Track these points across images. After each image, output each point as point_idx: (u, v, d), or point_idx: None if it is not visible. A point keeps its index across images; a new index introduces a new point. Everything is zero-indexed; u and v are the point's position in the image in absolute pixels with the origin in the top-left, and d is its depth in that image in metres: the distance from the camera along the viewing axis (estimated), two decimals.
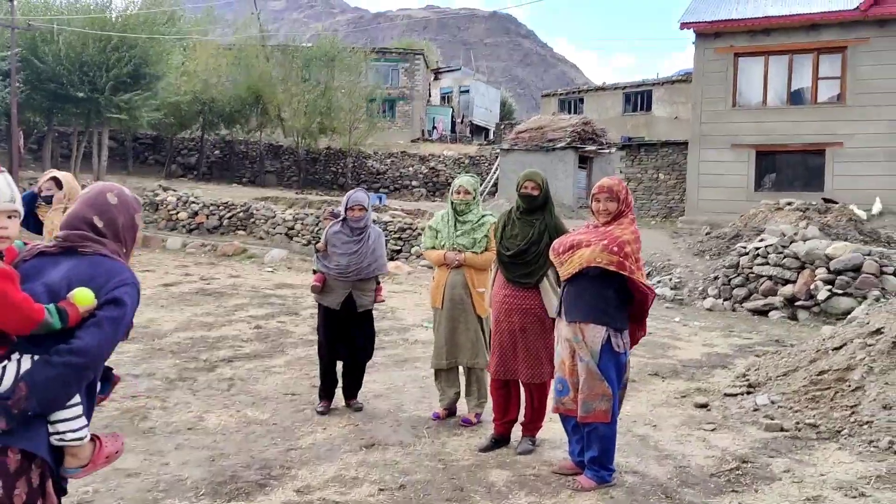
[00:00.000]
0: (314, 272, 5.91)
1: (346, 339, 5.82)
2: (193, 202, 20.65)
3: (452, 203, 5.49)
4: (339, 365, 6.01)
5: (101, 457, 2.35)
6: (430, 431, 5.40)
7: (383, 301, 6.25)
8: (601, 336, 4.14)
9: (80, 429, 2.23)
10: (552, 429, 5.14)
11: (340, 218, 5.85)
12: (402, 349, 8.34)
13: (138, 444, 5.03)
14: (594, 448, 4.22)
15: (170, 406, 5.94)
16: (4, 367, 2.09)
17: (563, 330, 4.33)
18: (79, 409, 2.23)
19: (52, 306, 2.12)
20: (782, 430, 5.44)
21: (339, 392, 6.05)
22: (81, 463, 2.28)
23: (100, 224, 2.34)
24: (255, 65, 33.56)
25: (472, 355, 5.42)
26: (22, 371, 2.09)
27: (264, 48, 35.33)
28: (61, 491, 2.30)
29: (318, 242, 5.94)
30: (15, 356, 2.12)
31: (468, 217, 5.46)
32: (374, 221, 6.16)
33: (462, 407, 5.72)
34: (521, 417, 5.11)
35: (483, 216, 5.47)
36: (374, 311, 6.09)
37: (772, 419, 5.63)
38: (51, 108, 24.72)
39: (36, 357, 2.11)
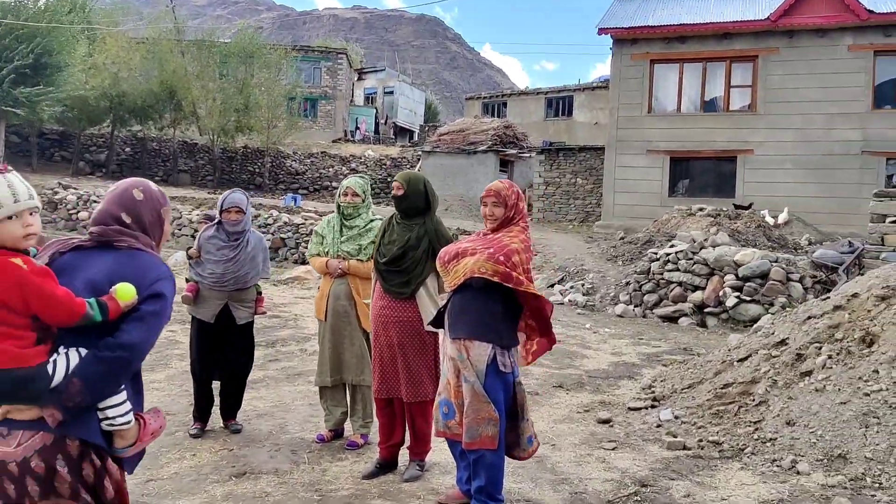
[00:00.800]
0: (186, 281, 5.37)
1: (222, 354, 5.31)
2: (95, 201, 19.57)
3: (339, 206, 5.06)
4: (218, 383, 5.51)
5: (146, 434, 2.42)
6: (311, 456, 4.94)
7: (264, 313, 5.77)
8: (486, 354, 3.76)
9: (126, 413, 2.30)
10: (443, 451, 4.77)
11: (215, 221, 5.34)
12: (298, 361, 7.84)
13: None
14: (481, 477, 3.84)
15: None
16: (55, 362, 2.16)
17: (447, 347, 3.94)
18: (124, 395, 2.30)
19: (93, 300, 2.20)
20: (685, 448, 5.21)
21: (217, 412, 5.54)
22: (128, 443, 2.35)
23: (127, 220, 2.40)
24: (170, 59, 32.23)
25: (357, 372, 5.00)
26: (72, 366, 2.17)
27: (179, 42, 34.02)
28: (122, 466, 2.41)
29: (189, 249, 5.41)
30: (62, 349, 2.19)
31: (355, 222, 5.03)
32: (266, 225, 5.66)
33: (350, 428, 5.29)
34: (407, 440, 4.71)
35: (371, 221, 5.05)
36: (264, 321, 5.60)
37: (674, 436, 5.40)
38: None
39: (82, 351, 2.19)
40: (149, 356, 6.96)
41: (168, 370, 7.20)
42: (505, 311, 3.82)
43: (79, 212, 19.32)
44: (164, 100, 32.36)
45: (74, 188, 20.75)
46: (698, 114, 21.39)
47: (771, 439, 5.12)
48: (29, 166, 30.79)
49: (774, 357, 6.08)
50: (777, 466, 4.82)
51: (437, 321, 4.10)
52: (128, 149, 35.16)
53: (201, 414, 5.39)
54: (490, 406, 3.73)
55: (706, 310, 11.08)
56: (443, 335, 4.08)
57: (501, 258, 3.70)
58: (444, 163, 29.47)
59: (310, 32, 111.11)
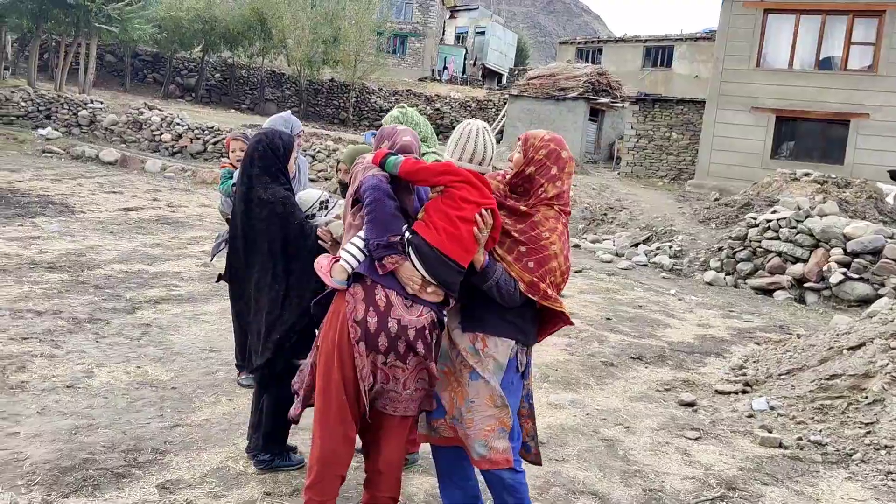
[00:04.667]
0: (227, 220, 4.76)
1: None
2: (178, 124, 19.54)
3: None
4: None
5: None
6: None
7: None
8: (509, 350, 2.98)
9: None
10: None
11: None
12: None
13: None
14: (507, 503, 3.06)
15: (59, 355, 5.02)
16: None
17: (453, 333, 3.04)
18: None
19: None
20: (781, 446, 4.51)
21: None
22: None
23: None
24: None
25: None
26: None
27: None
28: None
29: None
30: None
31: None
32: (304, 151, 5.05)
33: None
34: None
35: None
36: None
37: (769, 431, 4.69)
38: (38, 14, 23.31)
39: None
40: (202, 286, 6.59)
41: (223, 302, 6.82)
42: (529, 304, 3.00)
43: (162, 134, 19.32)
44: (255, 27, 32.15)
45: (160, 109, 20.77)
46: (812, 71, 19.67)
47: (887, 447, 4.36)
48: (122, 86, 31.27)
49: (894, 349, 5.25)
50: (892, 480, 4.08)
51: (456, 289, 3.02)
52: (217, 75, 35.29)
53: (244, 360, 4.95)
54: (505, 412, 2.94)
55: (806, 285, 10.09)
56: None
57: (532, 265, 2.92)
58: (531, 108, 28.38)
59: None
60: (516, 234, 2.93)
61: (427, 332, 2.79)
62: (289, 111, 4.02)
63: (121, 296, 6.68)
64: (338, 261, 2.87)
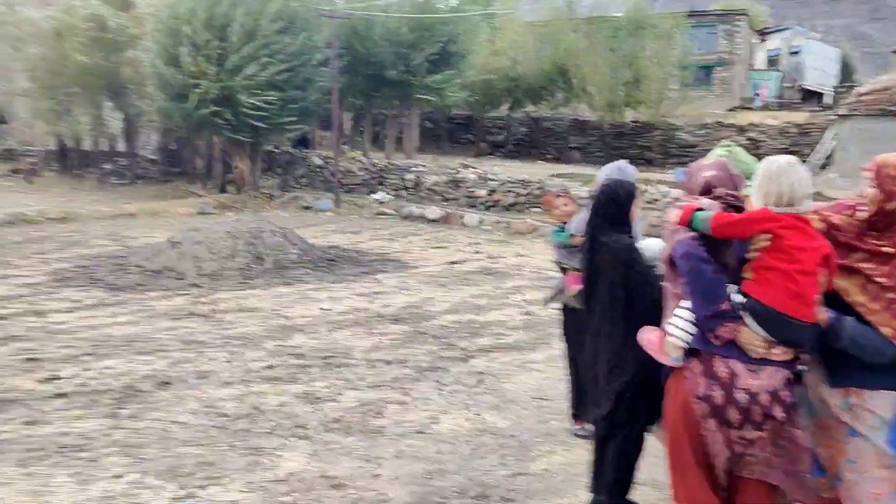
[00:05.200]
0: (563, 270, 4.80)
1: None
2: (491, 179, 20.67)
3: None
4: None
5: None
6: None
7: None
8: (891, 403, 2.57)
9: None
10: None
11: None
12: None
13: (360, 447, 4.57)
14: None
15: (409, 401, 5.45)
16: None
17: (823, 392, 2.71)
18: None
19: None
20: None
21: None
22: None
23: None
24: (562, 38, 32.92)
25: None
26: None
27: (571, 21, 34.54)
28: None
29: (571, 235, 4.70)
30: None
31: None
32: (654, 201, 4.98)
33: None
34: None
35: None
36: None
37: None
38: (369, 92, 26.45)
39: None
40: (527, 334, 6.76)
41: (548, 350, 6.95)
42: None
43: (477, 190, 20.58)
44: (556, 79, 33.18)
45: (474, 167, 22.18)
46: None
47: None
48: (439, 149, 34.07)
49: None
50: None
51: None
52: (523, 129, 36.90)
53: (579, 410, 4.94)
54: None
55: None
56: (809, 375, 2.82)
57: None
58: (864, 128, 25.43)
59: None
60: (882, 280, 2.54)
61: (782, 393, 2.57)
62: (624, 160, 3.98)
63: (455, 345, 7.11)
64: (665, 335, 2.74)
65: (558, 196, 4.95)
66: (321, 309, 8.65)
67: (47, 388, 5.61)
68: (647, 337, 2.89)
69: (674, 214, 2.73)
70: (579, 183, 20.09)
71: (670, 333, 2.71)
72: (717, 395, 2.59)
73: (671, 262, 2.74)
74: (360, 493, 3.92)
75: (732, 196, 2.82)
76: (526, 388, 5.83)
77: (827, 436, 2.68)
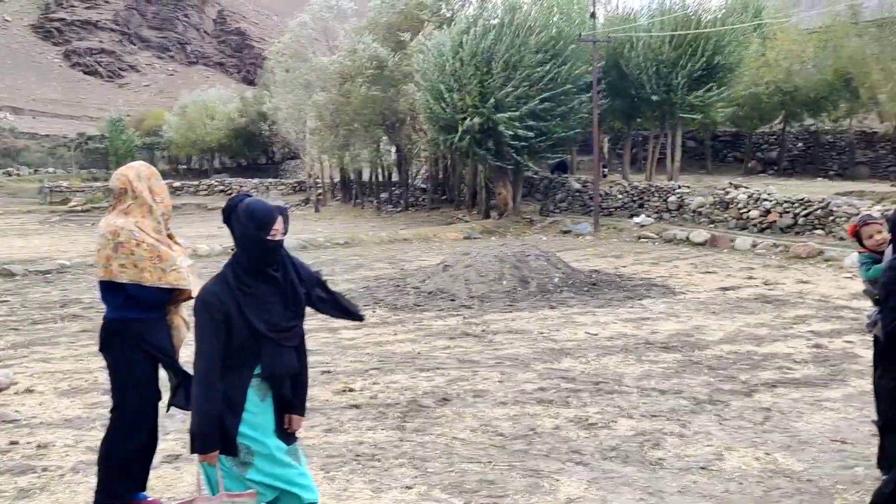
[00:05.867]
0: (876, 301, 4.28)
1: None
2: (765, 199, 19.27)
3: None
4: None
5: None
6: None
7: None
8: None
9: None
10: None
11: None
12: None
13: (640, 478, 4.43)
14: None
15: (688, 435, 5.19)
16: None
17: None
18: None
19: None
20: None
21: None
22: None
23: None
24: (845, 45, 29.96)
25: None
26: None
27: (856, 25, 31.35)
28: None
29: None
30: None
31: None
32: None
33: None
34: None
35: None
36: None
37: None
38: (629, 114, 26.02)
39: None
40: (819, 369, 6.15)
41: (845, 388, 6.26)
42: None
43: (749, 211, 19.30)
44: (839, 89, 30.24)
45: (745, 187, 20.87)
46: None
47: None
48: (703, 168, 32.56)
49: None
50: None
51: None
52: (799, 144, 34.10)
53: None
54: None
55: None
56: None
57: None
58: None
59: None
60: None
61: None
62: None
63: (735, 377, 6.67)
64: None
65: (867, 224, 4.44)
66: (587, 333, 8.59)
67: (342, 399, 6.14)
68: None
69: None
70: (869, 202, 18.07)
71: None
72: None
73: None
74: None
75: None
76: (821, 428, 5.28)
77: None
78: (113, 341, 3.81)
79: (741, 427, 5.33)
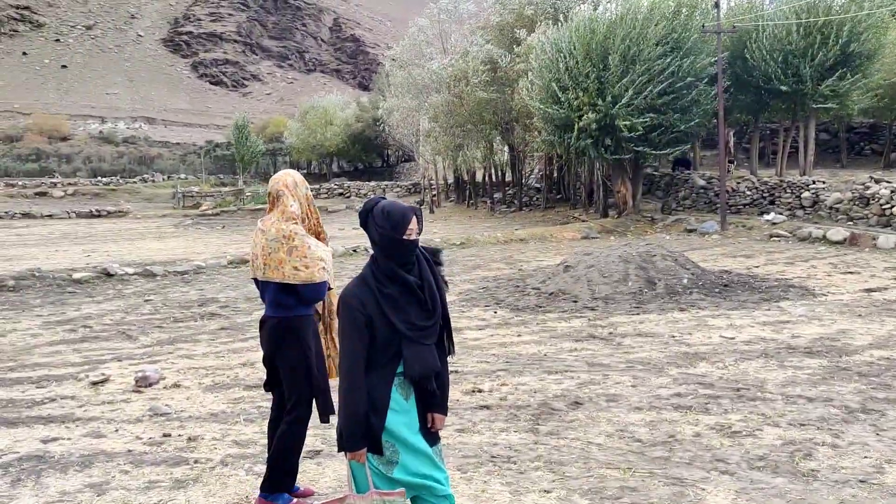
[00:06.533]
0: None
1: None
2: None
3: None
4: None
5: None
6: None
7: None
8: None
9: None
10: None
11: None
12: None
13: (793, 490, 4.18)
14: None
15: (842, 445, 4.86)
16: None
17: None
18: None
19: None
20: None
21: None
22: None
23: None
24: None
25: None
26: None
27: None
28: None
29: None
30: None
31: None
32: None
33: None
34: None
35: None
36: None
37: None
38: (756, 106, 24.85)
39: None
40: None
41: None
42: None
43: (892, 207, 18.03)
44: None
45: (887, 181, 19.51)
46: None
47: None
48: (838, 162, 30.75)
49: None
50: None
51: None
52: None
53: None
54: None
55: None
56: None
57: None
58: None
59: None
60: None
61: None
62: None
63: (890, 385, 6.21)
64: None
65: None
66: (722, 337, 8.23)
67: (472, 399, 6.13)
68: None
69: None
70: None
71: None
72: None
73: None
74: None
75: None
76: None
77: None
78: (290, 339, 4.00)
79: None
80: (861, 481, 4.29)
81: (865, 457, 4.66)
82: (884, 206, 18.17)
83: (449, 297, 10.81)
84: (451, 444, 5.06)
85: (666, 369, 6.89)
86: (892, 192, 18.29)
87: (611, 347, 7.89)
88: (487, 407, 5.90)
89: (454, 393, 6.22)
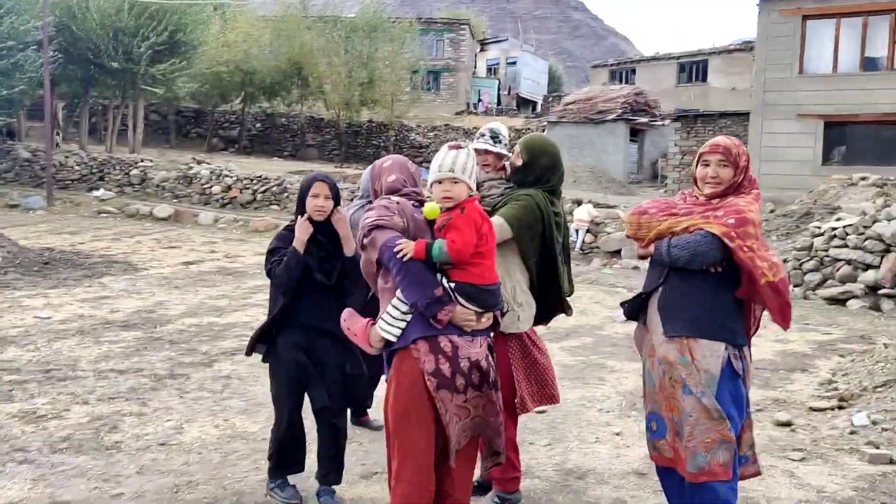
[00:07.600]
0: None
1: None
2: (227, 175, 19.93)
3: None
4: None
5: None
6: None
7: None
8: (720, 357, 2.94)
9: None
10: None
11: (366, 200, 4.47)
12: None
13: (95, 465, 4.17)
14: None
15: (148, 413, 5.07)
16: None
17: (659, 348, 3.07)
18: None
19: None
20: (892, 462, 4.33)
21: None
22: None
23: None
24: (297, 36, 32.65)
25: None
26: None
27: (306, 18, 34.41)
28: None
29: None
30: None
31: None
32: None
33: None
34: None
35: None
36: None
37: (877, 447, 4.50)
38: (87, 80, 24.15)
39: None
40: None
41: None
42: (736, 300, 3.01)
43: (212, 186, 19.71)
44: (292, 76, 32.87)
45: (207, 163, 21.24)
46: (857, 73, 19.33)
47: None
48: (167, 142, 32.16)
49: None
50: None
51: (632, 310, 3.27)
52: (258, 125, 36.10)
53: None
54: (724, 424, 2.89)
55: (881, 292, 9.77)
56: (639, 330, 3.28)
57: (731, 221, 2.92)
58: (571, 133, 28.38)
59: (432, 5, 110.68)
60: (711, 212, 3.03)
61: (490, 356, 2.93)
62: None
63: (196, 349, 6.76)
64: (374, 324, 2.93)
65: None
66: (37, 317, 7.76)
67: None
68: (352, 328, 2.99)
69: (407, 249, 2.78)
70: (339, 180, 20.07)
71: (382, 326, 2.85)
72: (446, 367, 2.79)
73: (379, 263, 2.86)
74: None
75: (416, 192, 3.04)
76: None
77: (665, 396, 3.03)
78: None
79: (201, 398, 5.42)
80: (161, 444, 4.53)
81: (168, 420, 4.95)
82: (204, 186, 19.73)
83: None
84: None
85: None
86: (211, 172, 19.99)
87: None
88: None
89: None
